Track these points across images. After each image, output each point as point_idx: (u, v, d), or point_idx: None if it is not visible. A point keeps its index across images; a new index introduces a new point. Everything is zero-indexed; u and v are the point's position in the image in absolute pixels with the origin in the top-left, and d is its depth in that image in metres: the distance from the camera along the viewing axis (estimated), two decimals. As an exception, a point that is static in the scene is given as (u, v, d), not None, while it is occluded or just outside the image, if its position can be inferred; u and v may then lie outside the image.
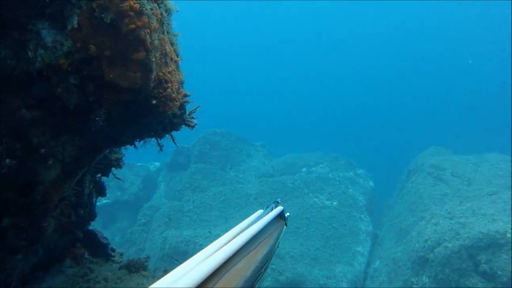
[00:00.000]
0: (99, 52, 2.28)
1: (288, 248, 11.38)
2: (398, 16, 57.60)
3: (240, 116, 53.80)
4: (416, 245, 10.06)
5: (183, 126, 2.89)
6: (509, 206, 9.90)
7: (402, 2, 53.28)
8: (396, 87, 56.37)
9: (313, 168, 16.48)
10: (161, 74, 2.55)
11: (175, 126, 2.79)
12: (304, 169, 16.44)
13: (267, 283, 10.28)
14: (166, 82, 2.58)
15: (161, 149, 2.92)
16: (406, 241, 10.95)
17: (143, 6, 2.24)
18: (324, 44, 62.31)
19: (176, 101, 2.66)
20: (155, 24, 2.38)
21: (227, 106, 59.02)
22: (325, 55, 61.92)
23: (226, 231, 1.25)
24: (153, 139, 2.86)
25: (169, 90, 2.59)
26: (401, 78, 57.10)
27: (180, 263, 0.94)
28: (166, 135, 2.88)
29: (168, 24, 2.69)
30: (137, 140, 2.79)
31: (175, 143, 2.94)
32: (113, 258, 3.57)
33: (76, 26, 2.24)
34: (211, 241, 1.12)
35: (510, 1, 38.98)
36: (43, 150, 2.45)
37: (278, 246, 1.65)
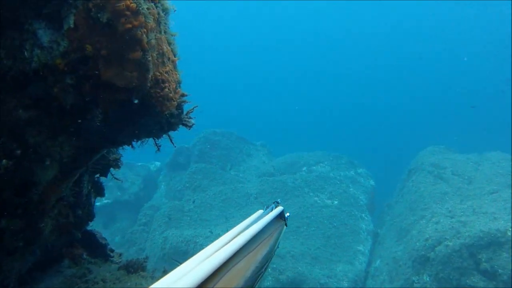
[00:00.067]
0: (96, 52, 2.27)
1: (288, 247, 11.38)
2: (398, 16, 57.55)
3: (240, 116, 53.86)
4: (417, 244, 10.05)
5: (180, 126, 2.88)
6: (510, 205, 9.89)
7: (403, 2, 53.23)
8: (396, 87, 56.37)
9: (314, 167, 16.46)
10: (158, 73, 2.54)
11: (172, 126, 2.78)
12: (304, 168, 16.42)
13: (268, 283, 10.27)
14: (163, 81, 2.57)
15: (158, 149, 2.91)
16: (407, 240, 10.93)
17: (140, 5, 2.23)
18: (324, 44, 62.30)
19: (174, 101, 2.65)
20: (152, 23, 2.36)
21: (228, 106, 59.07)
22: (325, 54, 61.90)
23: (227, 230, 1.25)
24: (151, 139, 2.85)
25: (166, 89, 2.58)
26: (401, 77, 57.11)
27: (180, 263, 0.93)
28: (164, 135, 2.87)
29: (165, 23, 2.68)
30: (135, 140, 2.79)
31: (172, 143, 2.93)
32: (112, 259, 3.56)
33: (72, 26, 2.23)
34: (212, 241, 1.11)
35: (510, 1, 38.94)
36: (40, 150, 2.44)
37: (278, 246, 1.65)
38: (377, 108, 53.53)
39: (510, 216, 9.29)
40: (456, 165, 13.52)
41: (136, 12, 2.20)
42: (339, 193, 14.39)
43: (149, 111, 2.59)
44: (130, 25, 2.20)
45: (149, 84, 2.45)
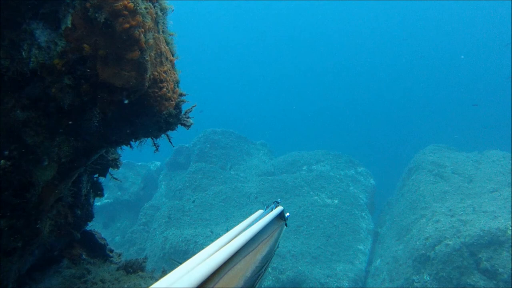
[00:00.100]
0: (93, 52, 2.26)
1: (289, 246, 11.38)
2: (399, 15, 57.55)
3: (240, 115, 53.93)
4: (417, 243, 10.04)
5: (179, 125, 2.87)
6: (510, 203, 9.88)
7: (403, 2, 53.25)
8: (396, 86, 56.39)
9: (314, 166, 16.45)
10: (156, 73, 2.53)
11: (170, 126, 2.77)
12: (304, 167, 16.41)
13: (269, 282, 10.27)
14: (162, 81, 2.56)
15: (157, 149, 2.90)
16: (407, 239, 10.93)
17: (137, 5, 2.22)
18: (324, 43, 62.36)
19: (172, 101, 2.64)
20: (149, 23, 2.36)
21: (228, 105, 59.12)
22: (326, 53, 61.93)
23: (227, 230, 1.25)
24: (149, 139, 2.84)
25: (165, 89, 2.57)
26: (401, 76, 57.11)
27: (180, 264, 0.93)
28: (162, 135, 2.86)
29: (163, 23, 2.67)
30: (133, 140, 2.78)
31: (171, 142, 2.92)
32: (111, 259, 3.56)
33: (70, 26, 2.23)
34: (212, 240, 1.11)
35: (510, 1, 38.94)
36: (38, 151, 2.43)
37: (278, 246, 1.66)
38: (378, 107, 53.58)
39: (510, 215, 9.28)
40: (456, 163, 13.51)
41: (133, 12, 2.19)
42: (339, 192, 14.39)
43: (147, 111, 2.58)
44: (127, 25, 2.19)
45: (147, 84, 2.44)
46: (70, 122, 2.46)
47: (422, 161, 14.44)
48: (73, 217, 3.12)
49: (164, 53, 2.64)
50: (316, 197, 13.99)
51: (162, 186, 16.30)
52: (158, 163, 18.63)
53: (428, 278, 9.36)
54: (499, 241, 8.82)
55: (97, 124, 2.48)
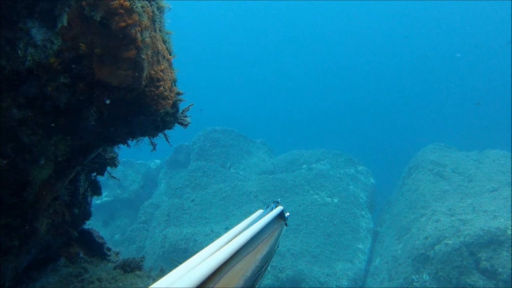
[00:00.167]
0: (90, 51, 2.25)
1: (288, 245, 11.38)
2: (399, 15, 57.47)
3: (240, 114, 53.92)
4: (417, 242, 10.04)
5: (176, 124, 2.87)
6: (510, 203, 9.87)
7: (404, 2, 53.21)
8: (396, 85, 56.35)
9: (314, 165, 16.44)
10: (153, 72, 2.52)
11: (167, 125, 2.76)
12: (304, 166, 16.41)
13: (268, 281, 10.28)
14: (158, 80, 2.55)
15: (154, 148, 2.90)
16: (407, 238, 10.93)
17: (133, 3, 2.21)
18: (324, 42, 62.31)
19: (169, 100, 2.64)
20: (146, 21, 2.35)
21: (228, 104, 59.13)
22: (325, 52, 61.89)
23: (227, 228, 1.25)
24: (147, 137, 2.84)
25: (162, 88, 2.56)
26: (402, 75, 57.07)
27: (179, 263, 0.93)
28: (160, 134, 2.86)
29: (160, 22, 2.66)
30: (130, 139, 2.77)
31: (168, 142, 2.92)
32: (108, 258, 3.56)
33: (66, 24, 2.22)
34: (211, 239, 1.11)
35: (510, 1, 38.91)
36: (34, 150, 2.43)
37: (278, 246, 1.67)
38: (378, 106, 53.57)
39: (510, 215, 9.27)
40: (456, 163, 13.50)
41: (130, 10, 2.18)
42: (339, 191, 14.38)
43: (144, 110, 2.58)
44: (124, 24, 2.18)
45: (144, 83, 2.43)
46: (66, 121, 2.46)
47: (422, 160, 14.43)
48: (70, 215, 3.12)
49: (161, 52, 2.63)
50: (316, 196, 13.98)
51: (162, 184, 16.30)
52: (158, 161, 18.65)
53: (427, 278, 9.35)
54: (498, 240, 8.81)
55: (93, 123, 2.47)
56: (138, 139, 2.80)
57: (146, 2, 2.40)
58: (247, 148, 17.86)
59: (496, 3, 45.58)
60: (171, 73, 2.74)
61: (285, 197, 13.76)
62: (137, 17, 2.24)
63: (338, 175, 15.57)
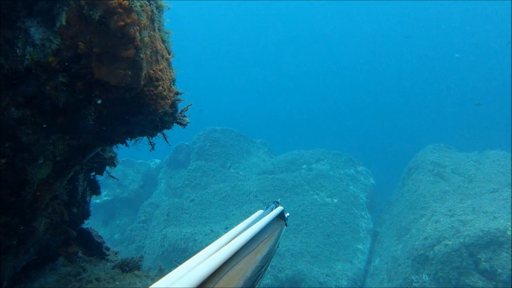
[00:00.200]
0: (88, 50, 2.25)
1: (288, 245, 11.37)
2: (399, 15, 57.45)
3: (241, 114, 53.93)
4: (416, 243, 10.03)
5: (175, 124, 2.86)
6: (510, 204, 9.86)
7: (404, 2, 53.19)
8: (396, 85, 56.35)
9: (314, 165, 16.44)
10: (152, 71, 2.51)
11: (166, 125, 2.75)
12: (304, 166, 16.40)
13: (267, 281, 10.27)
14: (157, 79, 2.55)
15: (152, 148, 2.89)
16: (406, 239, 10.92)
17: (132, 3, 2.21)
18: (324, 42, 62.28)
19: (168, 99, 2.63)
20: (145, 21, 2.34)
21: (228, 104, 59.11)
22: (325, 52, 61.87)
23: (227, 228, 1.25)
24: (145, 137, 2.83)
25: (160, 88, 2.56)
26: (402, 75, 57.06)
27: (179, 264, 0.93)
28: (158, 134, 2.85)
29: (159, 21, 2.66)
30: (128, 138, 2.77)
31: (167, 141, 2.91)
32: (107, 257, 3.55)
33: (64, 23, 2.21)
34: (211, 239, 1.11)
35: (510, 1, 38.92)
36: (33, 149, 2.42)
37: (278, 246, 1.67)
38: (378, 106, 53.56)
39: (510, 216, 9.26)
40: (456, 163, 13.49)
41: (128, 10, 2.18)
42: (339, 191, 14.38)
43: (143, 110, 2.57)
44: (122, 23, 2.18)
45: (142, 82, 2.43)
46: (65, 120, 2.45)
47: (422, 160, 14.42)
48: (69, 215, 3.11)
49: (160, 51, 2.63)
50: (315, 196, 13.97)
51: (162, 184, 16.30)
52: (157, 161, 18.65)
53: (427, 278, 9.35)
54: (498, 241, 8.80)
55: (92, 122, 2.47)
56: (137, 138, 2.80)
57: (145, 1, 2.40)
58: (247, 148, 17.86)
59: (496, 3, 45.60)
60: (170, 72, 2.73)
61: (285, 197, 13.75)
62: (136, 16, 2.23)
63: (338, 175, 15.57)
